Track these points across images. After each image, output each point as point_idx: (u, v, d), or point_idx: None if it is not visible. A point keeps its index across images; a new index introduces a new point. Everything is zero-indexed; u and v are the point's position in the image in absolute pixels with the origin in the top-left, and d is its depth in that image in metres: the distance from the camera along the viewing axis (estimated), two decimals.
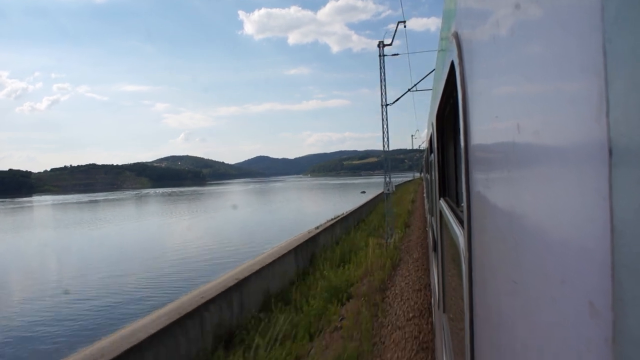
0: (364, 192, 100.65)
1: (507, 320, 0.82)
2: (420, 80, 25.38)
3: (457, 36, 1.39)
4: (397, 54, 22.25)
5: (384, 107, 20.57)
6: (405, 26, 20.22)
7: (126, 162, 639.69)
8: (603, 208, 0.41)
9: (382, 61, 20.34)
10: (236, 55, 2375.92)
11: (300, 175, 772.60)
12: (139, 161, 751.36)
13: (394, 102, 21.03)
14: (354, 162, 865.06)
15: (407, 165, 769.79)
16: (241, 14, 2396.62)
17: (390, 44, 20.31)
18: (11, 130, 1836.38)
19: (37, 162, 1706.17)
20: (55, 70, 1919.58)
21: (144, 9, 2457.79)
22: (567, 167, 0.51)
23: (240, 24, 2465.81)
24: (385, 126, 20.99)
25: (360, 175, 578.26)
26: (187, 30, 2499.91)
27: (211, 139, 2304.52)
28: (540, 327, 0.61)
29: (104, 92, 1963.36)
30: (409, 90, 21.28)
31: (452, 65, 1.50)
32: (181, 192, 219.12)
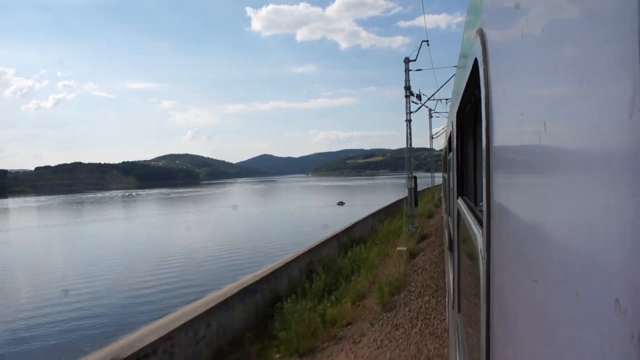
0: (341, 203, 79.93)
1: (527, 320, 0.81)
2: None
3: (481, 33, 1.37)
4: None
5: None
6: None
7: (126, 160, 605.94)
8: (631, 207, 0.41)
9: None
10: (243, 53, 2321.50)
11: (302, 175, 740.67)
12: (139, 160, 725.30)
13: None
14: (359, 160, 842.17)
15: (414, 165, 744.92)
16: (249, 11, 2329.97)
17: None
18: (19, 127, 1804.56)
19: (44, 160, 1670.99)
20: (61, 67, 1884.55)
21: (150, 5, 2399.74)
22: (594, 168, 0.50)
23: (247, 21, 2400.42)
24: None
25: (362, 176, 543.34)
26: (195, 27, 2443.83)
27: (217, 137, 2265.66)
28: (563, 326, 0.60)
29: (110, 90, 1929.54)
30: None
31: (476, 62, 1.49)
32: (141, 194, 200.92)
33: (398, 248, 17.95)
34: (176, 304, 15.52)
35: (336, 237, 20.58)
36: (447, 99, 30.18)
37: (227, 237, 41.17)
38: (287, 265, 14.43)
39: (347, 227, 23.07)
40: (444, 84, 22.54)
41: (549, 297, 0.67)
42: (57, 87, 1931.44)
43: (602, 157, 0.47)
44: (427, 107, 30.72)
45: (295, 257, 15.43)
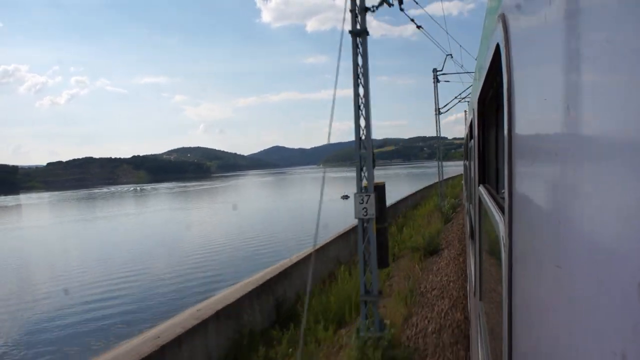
0: (346, 196, 72.11)
1: (549, 307, 0.81)
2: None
3: (504, 18, 1.35)
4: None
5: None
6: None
7: (136, 154, 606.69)
8: None
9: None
10: (254, 45, 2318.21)
11: (314, 166, 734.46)
12: (150, 154, 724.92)
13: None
14: None
15: (426, 154, 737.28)
16: (258, 2, 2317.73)
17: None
18: (34, 124, 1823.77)
19: (58, 156, 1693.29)
20: (74, 64, 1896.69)
21: (161, 0, 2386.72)
22: (618, 155, 0.49)
23: (257, 12, 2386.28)
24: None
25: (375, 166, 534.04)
26: (205, 21, 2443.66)
27: (230, 130, 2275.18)
28: (586, 311, 0.60)
29: (122, 85, 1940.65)
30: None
31: (498, 48, 1.48)
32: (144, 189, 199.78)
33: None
34: None
35: (301, 262, 14.85)
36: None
37: (195, 246, 36.68)
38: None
39: (321, 244, 16.72)
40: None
41: (572, 283, 0.67)
42: (70, 83, 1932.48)
43: (626, 144, 0.47)
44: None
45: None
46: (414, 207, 33.55)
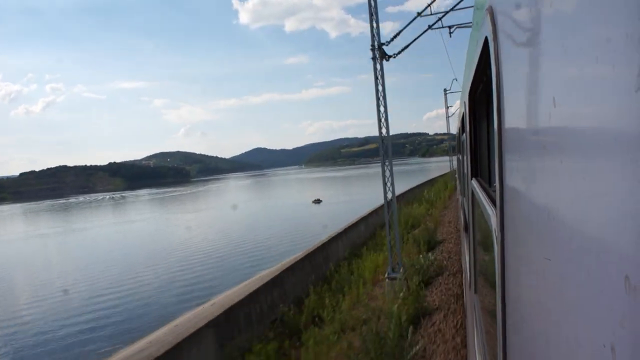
0: (318, 201, 67.77)
1: (540, 298, 0.83)
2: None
3: (491, 11, 1.37)
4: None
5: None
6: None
7: (112, 161, 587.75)
8: None
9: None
10: (233, 47, 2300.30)
11: (296, 167, 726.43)
12: (129, 160, 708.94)
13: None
14: (353, 149, 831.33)
15: (408, 151, 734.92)
16: (235, 3, 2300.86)
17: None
18: (10, 133, 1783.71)
19: (37, 164, 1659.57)
20: (50, 70, 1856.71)
21: (136, 3, 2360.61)
22: (604, 147, 0.50)
23: (235, 14, 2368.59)
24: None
25: (357, 164, 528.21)
26: (183, 24, 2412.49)
27: (211, 133, 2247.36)
28: (575, 303, 0.61)
29: (100, 91, 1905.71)
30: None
31: (486, 41, 1.49)
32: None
33: None
34: None
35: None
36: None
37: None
38: None
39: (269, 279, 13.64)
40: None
41: (561, 275, 0.68)
42: (45, 90, 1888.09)
43: (612, 136, 0.47)
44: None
45: None
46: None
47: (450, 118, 36.25)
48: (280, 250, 26.11)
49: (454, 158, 30.99)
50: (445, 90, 34.92)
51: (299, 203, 69.14)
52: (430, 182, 45.00)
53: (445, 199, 31.84)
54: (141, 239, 47.95)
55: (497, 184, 1.29)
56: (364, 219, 23.55)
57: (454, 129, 27.09)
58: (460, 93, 7.63)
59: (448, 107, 37.00)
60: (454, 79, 31.59)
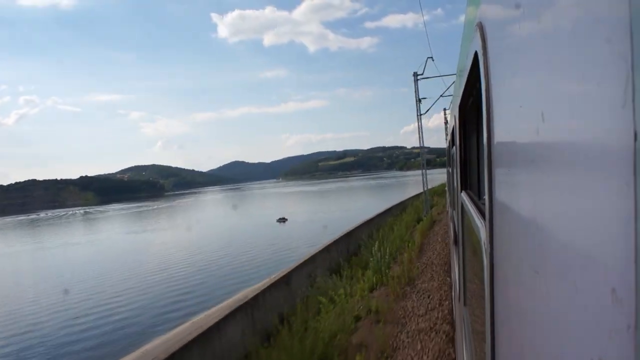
0: (283, 219, 64.81)
1: (529, 311, 0.83)
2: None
3: (481, 26, 1.39)
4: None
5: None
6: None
7: (84, 175, 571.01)
8: (628, 198, 0.41)
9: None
10: (211, 60, 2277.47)
11: (273, 180, 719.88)
12: (102, 173, 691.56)
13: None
14: (331, 162, 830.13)
15: (385, 164, 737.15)
16: (214, 17, 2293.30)
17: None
18: None
19: (7, 178, 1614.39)
20: (23, 82, 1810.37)
21: (113, 15, 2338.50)
22: (592, 161, 0.51)
23: (213, 27, 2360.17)
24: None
25: (334, 178, 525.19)
26: (160, 36, 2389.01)
27: (189, 146, 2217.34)
28: (563, 316, 0.61)
29: (75, 103, 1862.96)
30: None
31: (476, 56, 1.51)
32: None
33: None
34: None
35: None
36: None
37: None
38: None
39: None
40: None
41: (549, 287, 0.69)
42: (19, 103, 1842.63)
43: (599, 150, 0.48)
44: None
45: None
46: None
47: (422, 116, 29.94)
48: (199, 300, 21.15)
49: (430, 172, 29.37)
50: (415, 74, 29.22)
51: (262, 223, 63.33)
52: (399, 208, 33.71)
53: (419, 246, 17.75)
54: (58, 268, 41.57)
55: (486, 196, 1.30)
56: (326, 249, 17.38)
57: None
58: (450, 107, 7.14)
59: (420, 100, 29.65)
60: (428, 57, 29.89)
